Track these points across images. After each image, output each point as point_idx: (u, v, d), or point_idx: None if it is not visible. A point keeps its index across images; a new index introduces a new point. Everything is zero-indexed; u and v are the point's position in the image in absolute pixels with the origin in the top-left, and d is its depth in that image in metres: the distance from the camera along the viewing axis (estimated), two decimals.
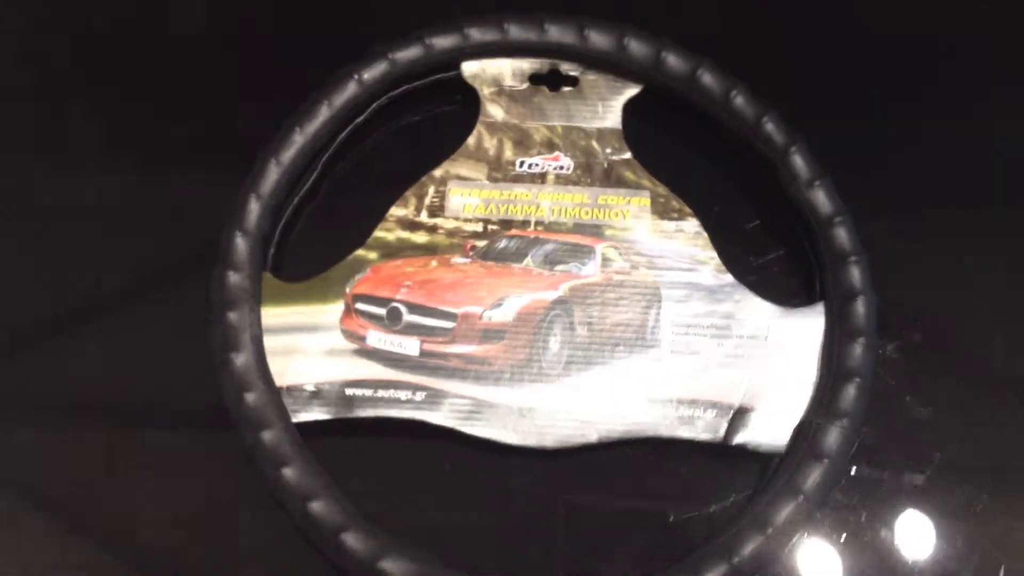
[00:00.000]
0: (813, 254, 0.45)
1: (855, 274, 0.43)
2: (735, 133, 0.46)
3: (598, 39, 0.47)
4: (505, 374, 0.42)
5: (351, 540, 0.38)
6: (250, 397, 0.41)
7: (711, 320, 0.44)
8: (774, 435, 0.42)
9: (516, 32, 0.47)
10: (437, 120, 0.48)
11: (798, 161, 0.44)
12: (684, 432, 0.42)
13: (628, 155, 0.46)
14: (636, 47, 0.46)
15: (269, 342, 0.42)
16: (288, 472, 0.40)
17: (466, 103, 0.47)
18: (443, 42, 0.47)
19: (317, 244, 0.45)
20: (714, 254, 0.45)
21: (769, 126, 0.45)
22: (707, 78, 0.46)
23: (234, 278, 0.42)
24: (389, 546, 0.38)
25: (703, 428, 0.42)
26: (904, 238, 0.46)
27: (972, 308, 0.46)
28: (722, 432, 0.42)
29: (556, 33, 0.47)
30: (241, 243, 0.43)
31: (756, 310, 0.44)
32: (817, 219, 0.44)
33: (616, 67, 0.47)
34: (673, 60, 0.46)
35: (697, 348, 0.43)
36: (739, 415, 0.42)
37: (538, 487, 0.42)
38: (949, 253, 0.47)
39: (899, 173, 0.48)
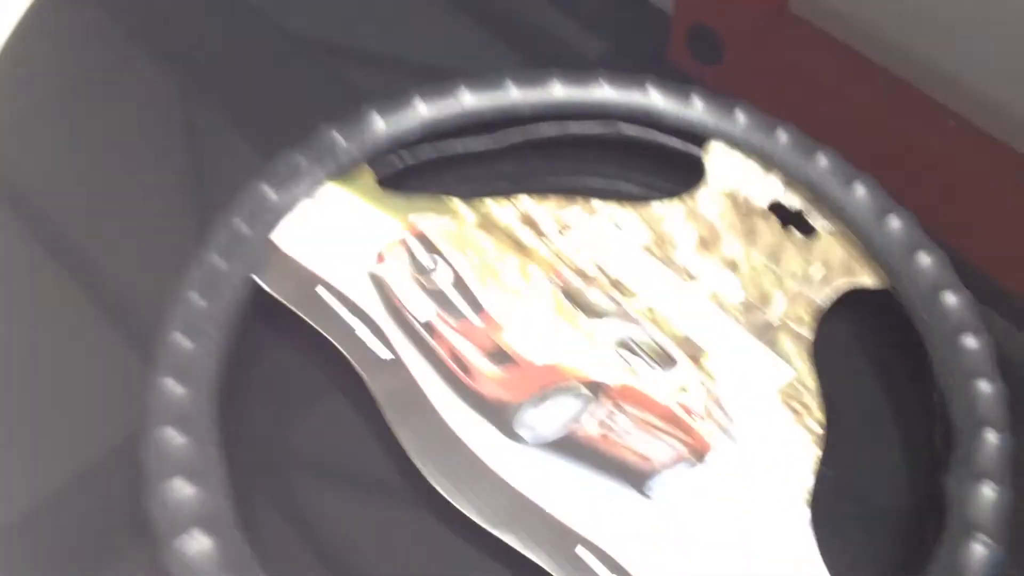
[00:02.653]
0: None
1: None
2: (940, 390, 0.34)
3: (861, 194, 0.37)
4: (473, 399, 0.33)
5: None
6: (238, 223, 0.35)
7: (735, 526, 0.31)
8: None
9: (785, 144, 0.39)
10: (650, 171, 0.41)
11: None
12: None
13: (808, 334, 0.36)
14: (894, 226, 0.36)
15: (308, 206, 0.36)
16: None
17: (685, 173, 0.40)
18: (707, 115, 0.40)
19: (437, 177, 0.39)
20: (811, 482, 0.32)
21: (990, 439, 0.32)
22: (950, 298, 0.34)
23: (336, 134, 0.37)
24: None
25: None
26: None
27: None
28: None
29: (824, 164, 0.38)
30: (376, 120, 0.38)
31: (805, 562, 0.30)
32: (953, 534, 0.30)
33: (865, 240, 0.37)
34: (925, 261, 0.35)
35: (691, 542, 0.31)
36: None
37: (404, 533, 0.32)
38: None
39: None
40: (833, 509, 0.32)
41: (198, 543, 0.28)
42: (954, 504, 0.30)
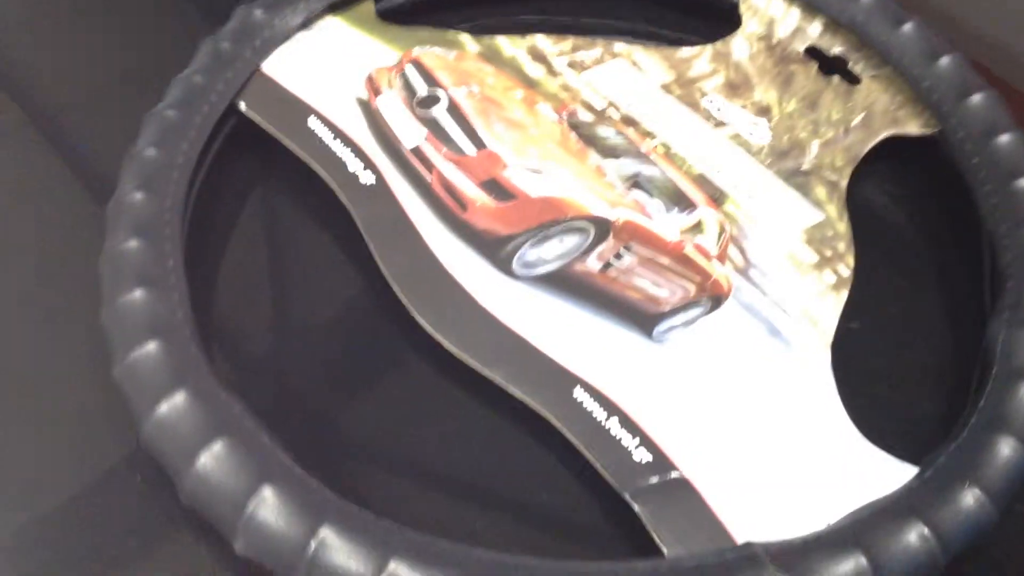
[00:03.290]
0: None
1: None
2: (990, 236, 0.30)
3: (909, 36, 0.33)
4: (463, 230, 0.30)
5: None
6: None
7: (751, 373, 0.28)
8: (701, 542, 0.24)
9: None
10: (681, 22, 0.37)
11: None
12: (586, 446, 0.26)
13: (842, 181, 0.32)
14: (945, 68, 0.33)
15: (303, 36, 0.34)
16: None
17: (718, 23, 0.36)
18: None
19: (443, 18, 0.36)
20: (834, 329, 0.29)
21: None
22: (1004, 140, 0.31)
23: None
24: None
25: (616, 463, 0.26)
26: None
27: None
28: (632, 488, 0.25)
29: (869, 5, 0.34)
30: None
31: (824, 407, 0.27)
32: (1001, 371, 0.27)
33: (911, 85, 0.33)
34: (978, 102, 0.32)
35: (701, 388, 0.27)
36: (676, 488, 0.25)
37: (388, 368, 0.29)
38: None
39: None
40: (861, 362, 0.29)
41: (148, 351, 0.25)
42: (1000, 350, 0.27)
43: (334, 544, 0.22)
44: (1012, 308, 0.27)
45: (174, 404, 0.24)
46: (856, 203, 0.32)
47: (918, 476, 0.25)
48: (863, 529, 0.23)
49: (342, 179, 0.30)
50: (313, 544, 0.22)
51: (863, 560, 0.23)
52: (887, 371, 0.29)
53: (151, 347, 0.25)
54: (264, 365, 0.28)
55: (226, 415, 0.24)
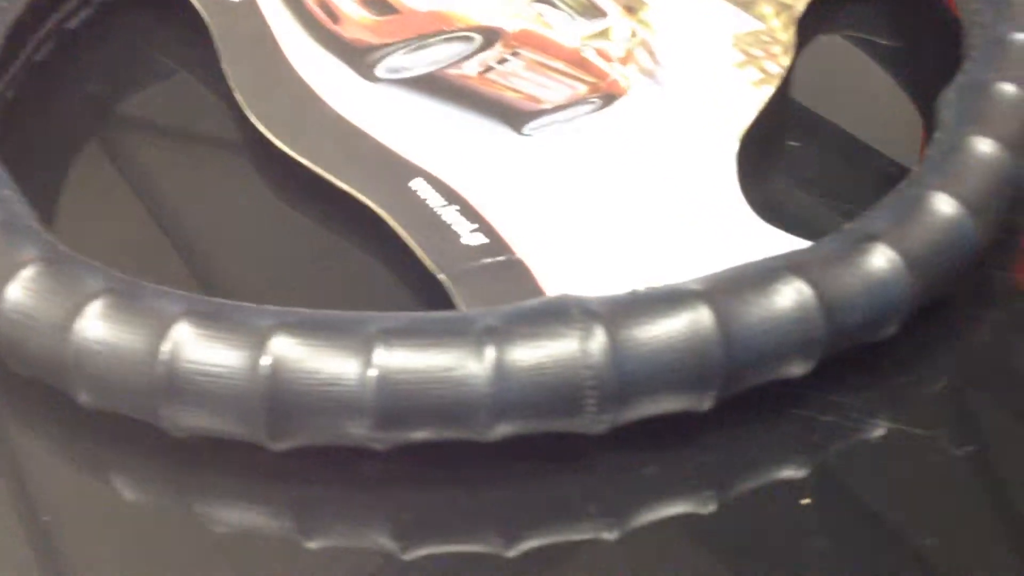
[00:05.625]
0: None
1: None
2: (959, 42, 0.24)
3: None
4: (330, 41, 0.26)
5: None
6: None
7: (633, 165, 0.22)
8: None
9: None
10: None
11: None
12: (411, 231, 0.21)
13: (800, 6, 0.27)
14: None
15: None
16: None
17: None
18: None
19: None
20: (744, 121, 0.23)
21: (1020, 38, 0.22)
22: None
23: None
24: None
25: (439, 246, 0.21)
26: None
27: None
28: (453, 269, 0.20)
29: None
30: None
31: (720, 197, 0.21)
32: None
33: None
34: None
35: (571, 178, 0.22)
36: (505, 268, 0.20)
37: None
38: None
39: None
40: (788, 166, 0.23)
41: None
42: (945, 112, 0.21)
43: (31, 284, 0.18)
44: (965, 73, 0.21)
45: None
46: (816, 36, 0.26)
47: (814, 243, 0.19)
48: (716, 286, 0.18)
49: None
50: (9, 286, 0.18)
51: (706, 313, 0.17)
52: (821, 177, 0.23)
53: None
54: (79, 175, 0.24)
55: None
